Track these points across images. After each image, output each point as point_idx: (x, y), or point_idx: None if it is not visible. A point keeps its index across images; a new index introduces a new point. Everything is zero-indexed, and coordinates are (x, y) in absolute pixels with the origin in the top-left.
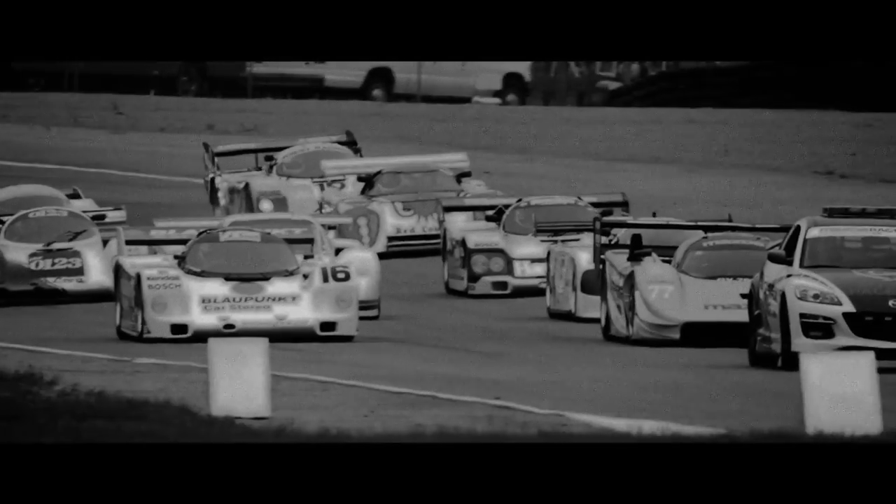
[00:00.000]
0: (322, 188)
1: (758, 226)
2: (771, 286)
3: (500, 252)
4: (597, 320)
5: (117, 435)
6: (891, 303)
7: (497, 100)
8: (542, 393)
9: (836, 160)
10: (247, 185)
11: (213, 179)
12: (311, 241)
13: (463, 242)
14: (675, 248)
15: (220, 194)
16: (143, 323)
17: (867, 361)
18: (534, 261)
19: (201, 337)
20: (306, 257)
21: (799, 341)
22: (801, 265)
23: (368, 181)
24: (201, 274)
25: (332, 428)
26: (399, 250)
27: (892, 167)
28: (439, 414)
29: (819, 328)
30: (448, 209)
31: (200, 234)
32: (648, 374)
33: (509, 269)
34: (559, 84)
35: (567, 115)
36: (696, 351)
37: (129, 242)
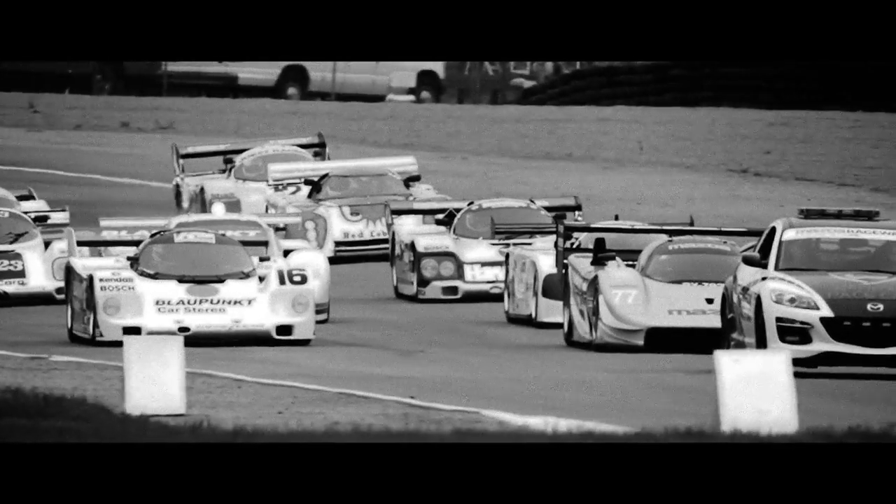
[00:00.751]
0: (277, 190)
1: (724, 229)
2: (745, 289)
3: (450, 256)
4: (558, 325)
5: (33, 433)
6: (869, 307)
7: (411, 97)
8: (458, 391)
9: (751, 158)
10: (202, 188)
11: (177, 182)
12: (265, 243)
13: (412, 246)
14: (639, 251)
15: (182, 197)
16: (96, 325)
17: (783, 360)
18: (485, 265)
19: None
20: (262, 259)
21: (775, 346)
22: (777, 268)
23: (316, 185)
24: (155, 276)
25: (247, 425)
26: (346, 255)
27: (807, 165)
28: (354, 412)
29: (796, 333)
30: (396, 212)
31: (153, 235)
32: (565, 373)
33: (460, 274)
34: (473, 82)
35: (481, 113)
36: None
37: (80, 243)
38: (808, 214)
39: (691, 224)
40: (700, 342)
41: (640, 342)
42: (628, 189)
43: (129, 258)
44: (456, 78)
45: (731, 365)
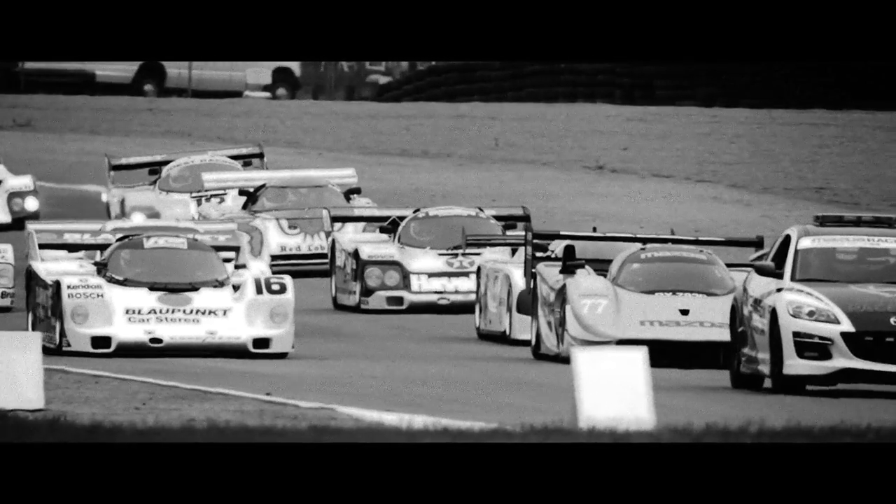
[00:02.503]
0: (199, 203)
1: (700, 238)
2: (758, 301)
3: (395, 265)
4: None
5: None
6: (893, 321)
7: (267, 94)
8: (315, 388)
9: (607, 154)
10: (123, 200)
11: (105, 194)
12: (237, 248)
13: (356, 254)
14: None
15: (111, 208)
16: (63, 335)
17: (640, 356)
18: (431, 275)
19: (125, 351)
20: (237, 267)
21: (792, 363)
22: (793, 278)
23: (251, 196)
24: (124, 282)
25: (104, 421)
26: (283, 270)
27: (664, 161)
28: (210, 408)
29: (815, 348)
30: (337, 219)
31: (121, 239)
32: (424, 369)
33: (405, 284)
34: (329, 78)
35: (337, 110)
36: (484, 346)
37: (42, 246)
38: (823, 221)
39: (671, 235)
40: (674, 355)
41: None
42: (484, 186)
43: (95, 263)
44: (311, 74)
45: (587, 362)
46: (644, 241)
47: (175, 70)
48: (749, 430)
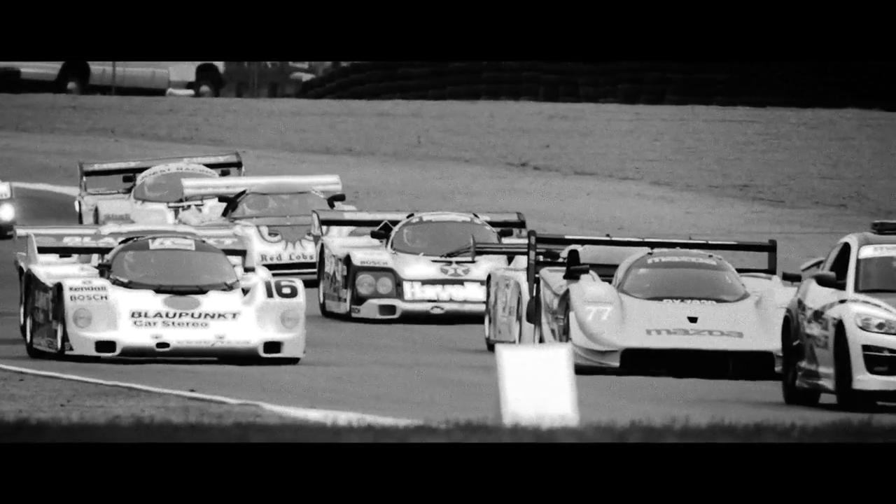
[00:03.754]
0: (177, 213)
1: (711, 242)
2: (818, 314)
3: (388, 272)
4: None
5: None
6: None
7: (191, 91)
8: (239, 384)
9: (530, 152)
10: (97, 208)
11: (78, 200)
12: (243, 252)
13: (347, 260)
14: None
15: (83, 216)
16: (65, 339)
17: (563, 354)
18: (425, 283)
19: (131, 355)
20: (246, 270)
21: (862, 378)
22: (857, 289)
23: (231, 202)
24: (129, 285)
25: (30, 418)
26: None
27: (587, 159)
28: (135, 405)
29: (885, 362)
30: (325, 223)
31: (125, 241)
32: (351, 368)
33: (398, 292)
34: (252, 75)
35: (260, 107)
36: (413, 346)
37: (41, 250)
38: (882, 229)
39: (689, 240)
40: (681, 365)
41: (616, 364)
42: (407, 183)
43: (98, 265)
44: (235, 72)
45: (511, 359)
46: (652, 245)
47: (99, 68)
48: (673, 427)
